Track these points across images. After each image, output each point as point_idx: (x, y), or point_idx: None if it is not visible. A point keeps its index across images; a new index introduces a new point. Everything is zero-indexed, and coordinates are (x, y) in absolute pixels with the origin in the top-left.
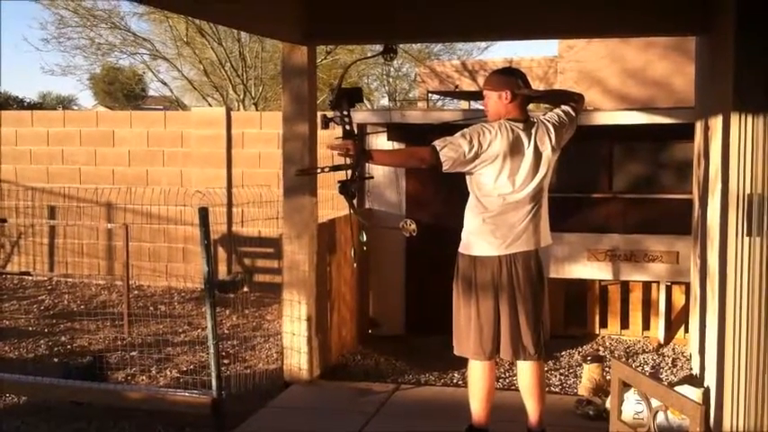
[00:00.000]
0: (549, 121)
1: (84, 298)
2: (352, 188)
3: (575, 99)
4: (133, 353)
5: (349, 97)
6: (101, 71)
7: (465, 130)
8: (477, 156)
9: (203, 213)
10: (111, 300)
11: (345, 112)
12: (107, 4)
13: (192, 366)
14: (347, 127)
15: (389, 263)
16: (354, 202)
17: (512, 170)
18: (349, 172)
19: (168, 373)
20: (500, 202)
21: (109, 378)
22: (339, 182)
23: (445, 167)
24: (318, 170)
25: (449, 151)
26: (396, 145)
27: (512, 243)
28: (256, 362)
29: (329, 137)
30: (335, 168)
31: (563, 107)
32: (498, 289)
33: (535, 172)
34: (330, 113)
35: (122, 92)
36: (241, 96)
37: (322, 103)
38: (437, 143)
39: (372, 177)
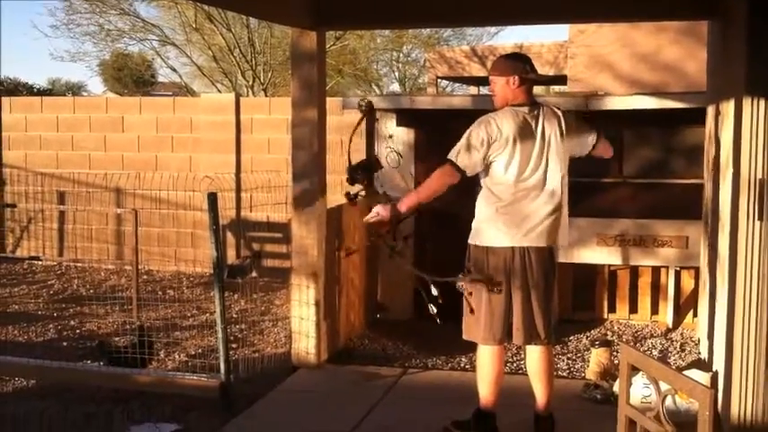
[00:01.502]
0: (562, 112)
1: (94, 282)
2: (395, 247)
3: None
4: (133, 337)
5: (365, 169)
6: (110, 57)
7: (470, 129)
8: (489, 146)
9: (212, 198)
10: (120, 284)
11: (366, 181)
12: None
13: (200, 350)
14: (375, 197)
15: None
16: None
17: (522, 155)
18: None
19: (177, 356)
20: (512, 191)
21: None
22: (378, 237)
23: (469, 173)
24: (373, 239)
25: (464, 158)
26: (405, 129)
27: (527, 234)
28: (264, 346)
29: (338, 122)
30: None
31: (585, 126)
32: (511, 275)
33: (546, 155)
34: (352, 189)
35: (132, 78)
36: (250, 82)
37: (331, 88)
38: (451, 156)
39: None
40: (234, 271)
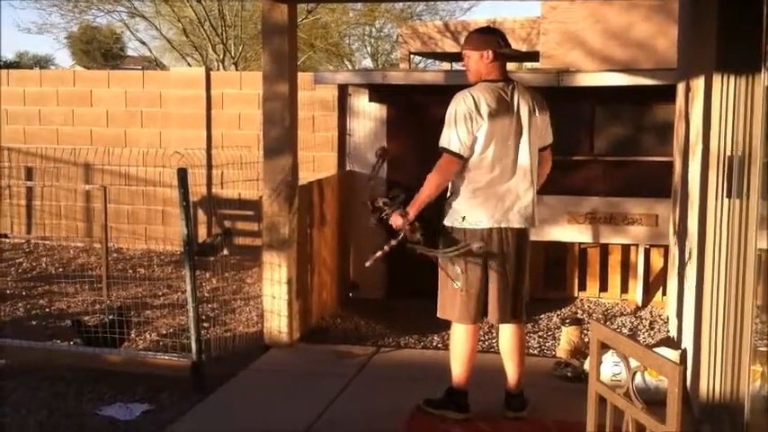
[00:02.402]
0: (538, 96)
1: (63, 260)
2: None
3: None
4: (112, 316)
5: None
6: (78, 30)
7: (450, 109)
8: (472, 121)
9: (182, 174)
10: (89, 262)
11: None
12: None
13: (171, 330)
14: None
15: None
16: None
17: (499, 130)
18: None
19: (148, 336)
20: (489, 169)
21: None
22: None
23: (467, 154)
24: (386, 248)
25: (456, 142)
26: (377, 106)
27: (505, 214)
28: (236, 325)
29: (310, 97)
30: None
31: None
32: (488, 255)
33: (521, 131)
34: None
35: (100, 51)
36: (221, 56)
37: (303, 63)
38: (444, 144)
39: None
40: (204, 248)
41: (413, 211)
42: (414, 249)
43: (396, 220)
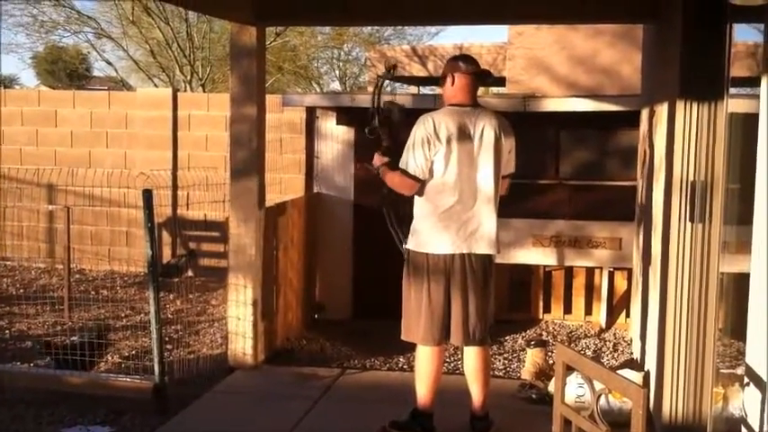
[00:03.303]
0: (503, 119)
1: (24, 281)
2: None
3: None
4: (74, 338)
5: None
6: (44, 50)
7: (411, 135)
8: (429, 145)
9: (147, 195)
10: (51, 284)
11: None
12: None
13: (134, 351)
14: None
15: (336, 247)
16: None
17: (460, 154)
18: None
19: (110, 358)
20: (451, 193)
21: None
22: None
23: (423, 177)
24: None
25: (413, 165)
26: (345, 128)
27: (467, 240)
28: (200, 347)
29: (278, 120)
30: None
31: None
32: (450, 276)
33: (483, 156)
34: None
35: (66, 71)
36: (188, 77)
37: (271, 85)
38: (402, 167)
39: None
40: (169, 269)
41: (382, 172)
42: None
43: (376, 160)
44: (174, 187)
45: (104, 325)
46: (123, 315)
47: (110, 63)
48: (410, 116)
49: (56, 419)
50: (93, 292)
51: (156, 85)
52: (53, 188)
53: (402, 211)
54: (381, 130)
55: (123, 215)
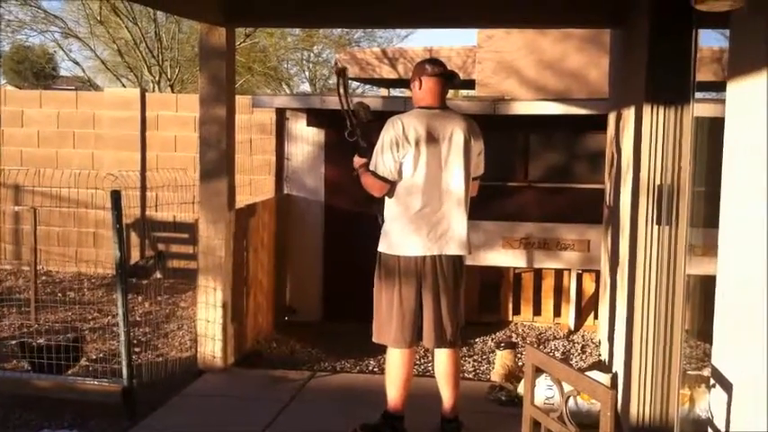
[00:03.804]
0: (473, 126)
1: None
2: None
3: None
4: (40, 340)
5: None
6: (10, 49)
7: (380, 137)
8: (397, 146)
9: (116, 196)
10: (17, 285)
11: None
12: None
13: (101, 354)
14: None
15: (307, 249)
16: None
17: (429, 156)
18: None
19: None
20: (420, 196)
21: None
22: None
23: (392, 178)
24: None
25: (381, 166)
26: (315, 130)
27: (437, 242)
28: (169, 350)
29: (248, 121)
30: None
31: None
32: (421, 278)
33: (452, 158)
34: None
35: (32, 71)
36: (156, 78)
37: (240, 86)
38: (371, 168)
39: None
40: (137, 270)
41: (361, 172)
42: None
43: (355, 160)
44: (143, 188)
45: (80, 329)
46: (91, 317)
47: (77, 63)
48: (380, 118)
49: (22, 423)
50: (60, 294)
51: (123, 86)
52: (19, 189)
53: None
54: (358, 131)
55: (91, 216)
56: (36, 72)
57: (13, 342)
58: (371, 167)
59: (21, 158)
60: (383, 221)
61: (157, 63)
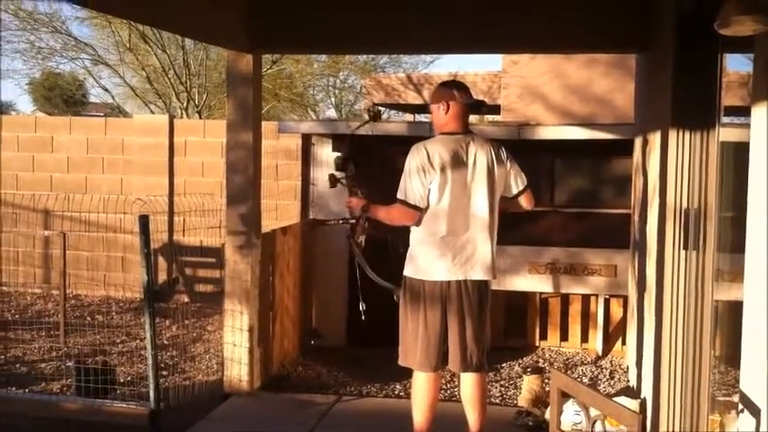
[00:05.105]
0: (497, 144)
1: (20, 307)
2: (359, 239)
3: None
4: (69, 363)
5: (350, 162)
6: (40, 76)
7: (406, 164)
8: (424, 173)
9: (144, 221)
10: (46, 309)
11: (350, 174)
12: (48, 8)
13: (129, 378)
14: (354, 189)
15: (332, 273)
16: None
17: (454, 182)
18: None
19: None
20: (446, 221)
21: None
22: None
23: (423, 205)
24: (332, 221)
25: (411, 193)
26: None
27: (463, 266)
28: (196, 373)
29: (274, 146)
30: (344, 221)
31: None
32: (447, 301)
33: (477, 183)
34: (337, 173)
35: (62, 97)
36: (184, 104)
37: (267, 112)
38: (400, 196)
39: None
40: (158, 294)
41: (371, 210)
42: (352, 249)
43: (354, 202)
44: (171, 213)
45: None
46: (119, 341)
47: (106, 89)
48: (405, 144)
49: None
50: (88, 318)
51: (152, 112)
52: (49, 214)
53: (396, 246)
54: (351, 179)
55: (119, 241)
56: (66, 99)
57: (69, 364)
58: (400, 195)
59: (51, 184)
60: (402, 249)
61: (185, 89)
